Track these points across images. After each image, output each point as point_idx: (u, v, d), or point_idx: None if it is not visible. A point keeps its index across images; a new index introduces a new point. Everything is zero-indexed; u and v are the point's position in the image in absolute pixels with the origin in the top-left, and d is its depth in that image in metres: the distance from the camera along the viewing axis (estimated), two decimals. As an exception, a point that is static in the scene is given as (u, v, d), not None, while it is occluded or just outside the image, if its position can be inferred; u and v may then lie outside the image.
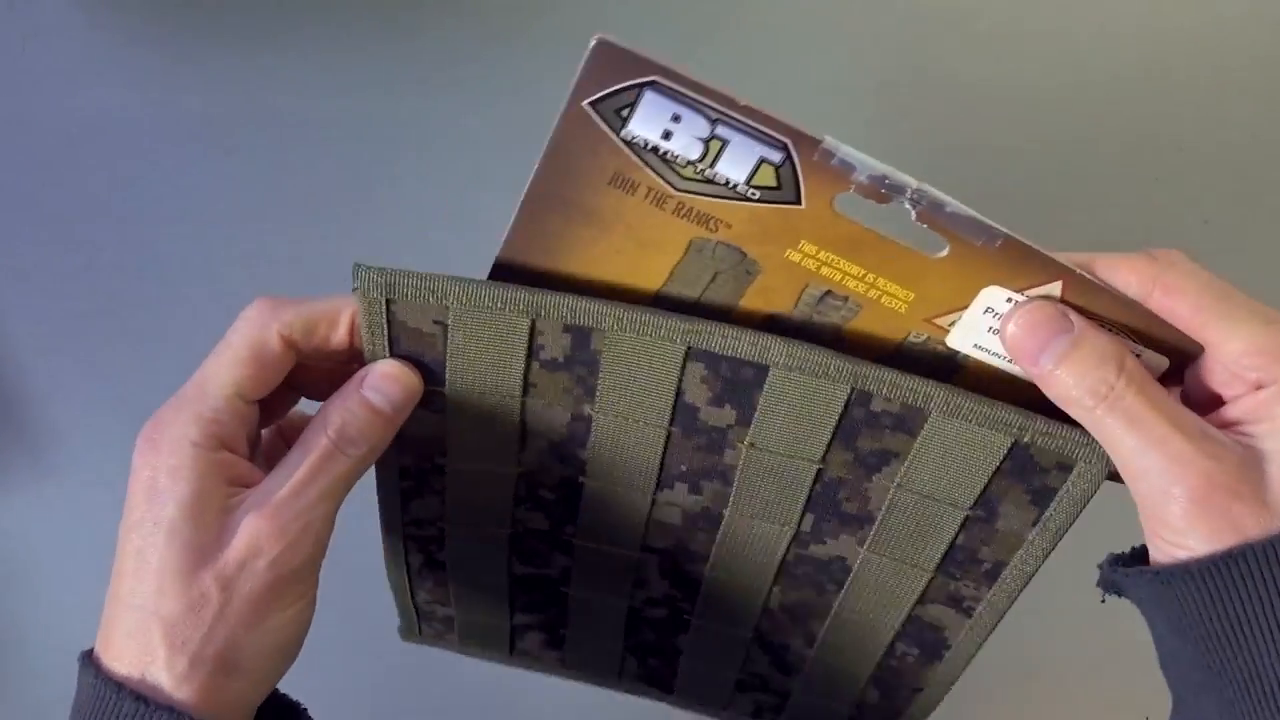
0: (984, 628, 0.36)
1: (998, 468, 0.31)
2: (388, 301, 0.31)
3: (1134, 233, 0.58)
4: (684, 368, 0.31)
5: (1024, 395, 0.30)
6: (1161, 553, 0.28)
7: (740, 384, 0.31)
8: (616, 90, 0.28)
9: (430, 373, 0.32)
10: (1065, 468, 0.31)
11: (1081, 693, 0.56)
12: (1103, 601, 0.31)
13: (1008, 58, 0.58)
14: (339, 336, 0.31)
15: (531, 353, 0.32)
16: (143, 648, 0.30)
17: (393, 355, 0.32)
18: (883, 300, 0.30)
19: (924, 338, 0.30)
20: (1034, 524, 0.32)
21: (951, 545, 0.33)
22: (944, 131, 0.58)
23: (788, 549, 0.35)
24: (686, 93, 0.27)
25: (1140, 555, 0.30)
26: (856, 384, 0.30)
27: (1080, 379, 0.27)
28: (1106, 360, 0.28)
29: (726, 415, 0.32)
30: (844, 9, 0.58)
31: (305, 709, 0.32)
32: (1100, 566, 0.30)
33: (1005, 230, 0.28)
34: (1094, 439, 0.29)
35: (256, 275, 0.60)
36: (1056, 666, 0.55)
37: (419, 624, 0.45)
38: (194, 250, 0.60)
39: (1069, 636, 0.53)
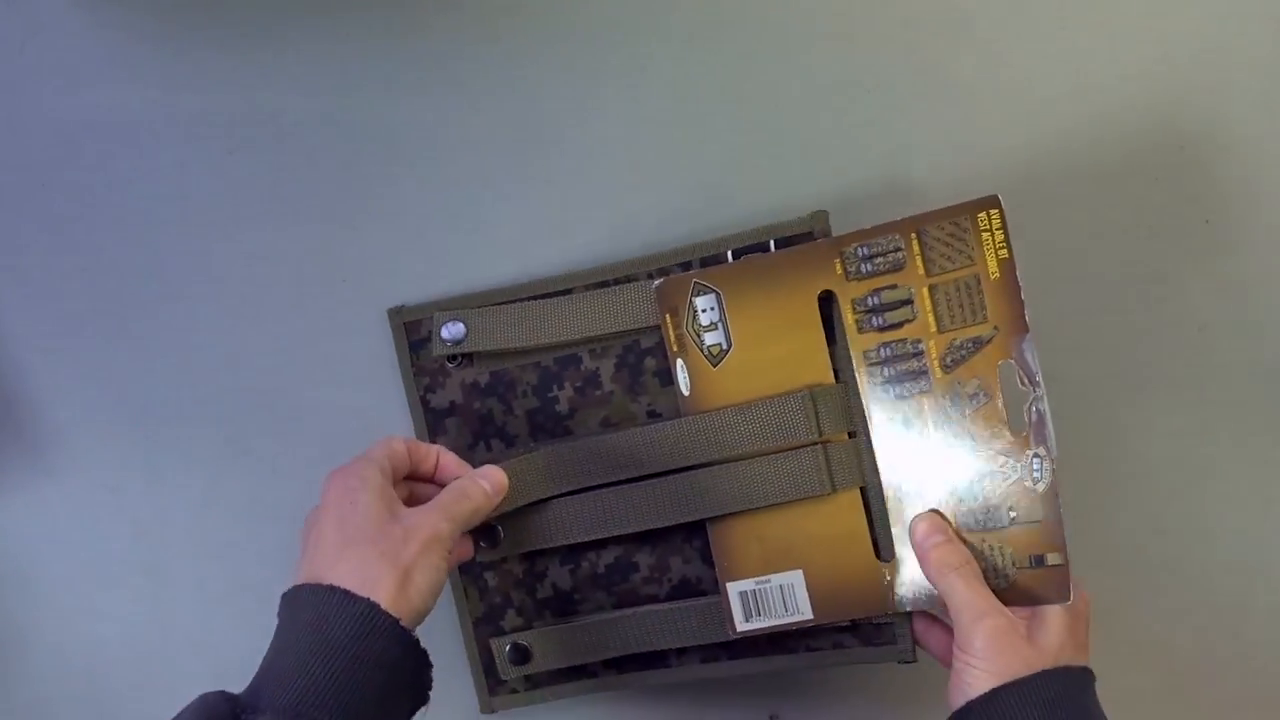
0: None
1: None
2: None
3: (1134, 232, 0.58)
4: None
5: None
6: (957, 682, 0.47)
7: None
8: None
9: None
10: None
11: None
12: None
13: (1008, 57, 0.58)
14: (429, 465, 0.53)
15: None
16: (351, 560, 0.46)
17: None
18: None
19: None
20: None
21: None
22: (944, 131, 0.58)
23: None
24: None
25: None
26: None
27: (950, 554, 0.50)
28: (959, 553, 0.50)
29: None
30: (844, 9, 0.58)
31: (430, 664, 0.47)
32: None
33: None
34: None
35: (256, 275, 0.60)
36: None
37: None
38: (194, 250, 0.60)
39: None
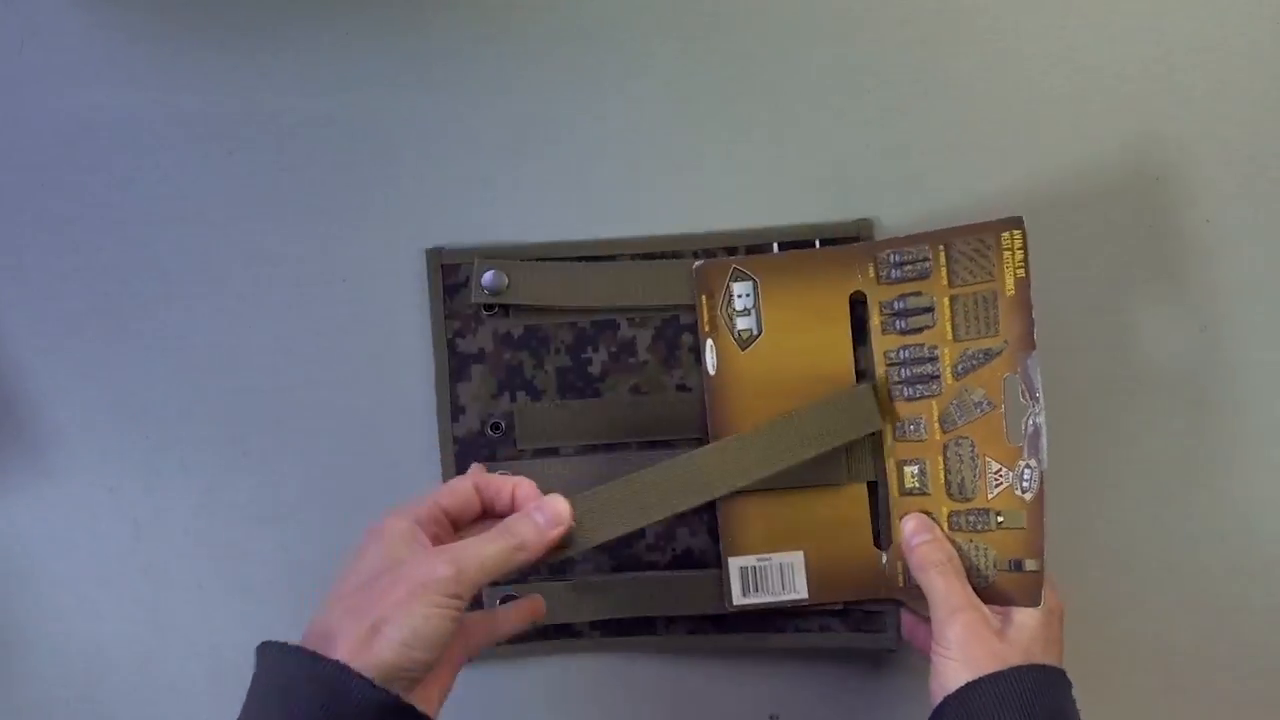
0: None
1: None
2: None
3: (1135, 232, 0.58)
4: None
5: None
6: (935, 675, 0.49)
7: None
8: None
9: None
10: None
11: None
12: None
13: (1007, 57, 0.58)
14: (504, 499, 0.48)
15: None
16: (324, 620, 0.42)
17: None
18: None
19: None
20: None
21: None
22: (943, 131, 0.58)
23: None
24: None
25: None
26: None
27: (933, 551, 0.52)
28: (943, 549, 0.52)
29: None
30: (844, 9, 0.58)
31: None
32: None
33: None
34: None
35: (256, 275, 0.60)
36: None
37: None
38: (194, 250, 0.60)
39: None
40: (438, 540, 0.46)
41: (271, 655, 0.42)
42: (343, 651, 0.40)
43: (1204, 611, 0.59)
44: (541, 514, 0.46)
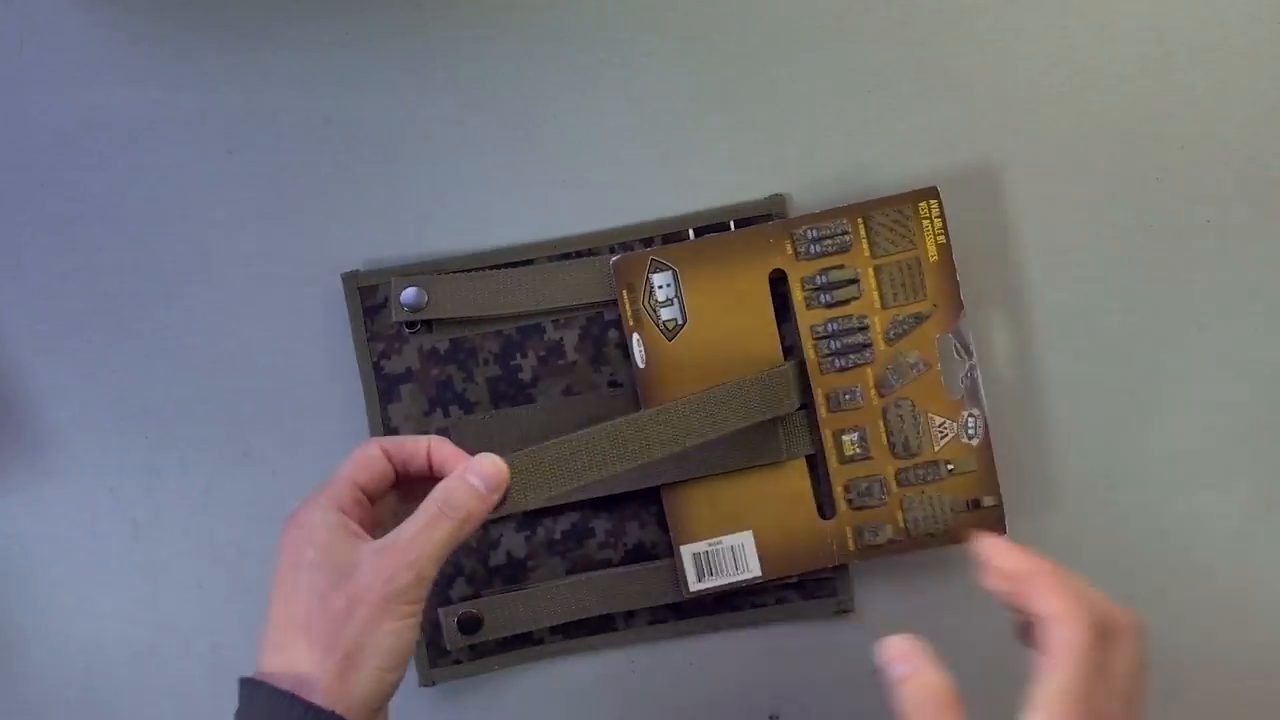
0: None
1: None
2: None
3: (1135, 232, 0.58)
4: None
5: None
6: None
7: None
8: None
9: None
10: None
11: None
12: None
13: (1007, 56, 0.58)
14: (419, 461, 0.45)
15: None
16: (288, 650, 0.40)
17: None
18: None
19: None
20: None
21: None
22: (943, 130, 0.58)
23: None
24: None
25: None
26: None
27: (916, 694, 0.37)
28: (931, 689, 0.37)
29: None
30: (844, 9, 0.58)
31: None
32: None
33: None
34: None
35: (256, 275, 0.60)
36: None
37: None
38: (193, 250, 0.60)
39: None
40: (362, 523, 0.43)
41: (261, 700, 0.40)
42: (322, 694, 0.39)
43: (1204, 611, 0.59)
44: (478, 478, 0.43)
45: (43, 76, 0.59)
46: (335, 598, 0.40)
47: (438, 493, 0.43)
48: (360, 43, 0.59)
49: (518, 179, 0.59)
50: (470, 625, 0.57)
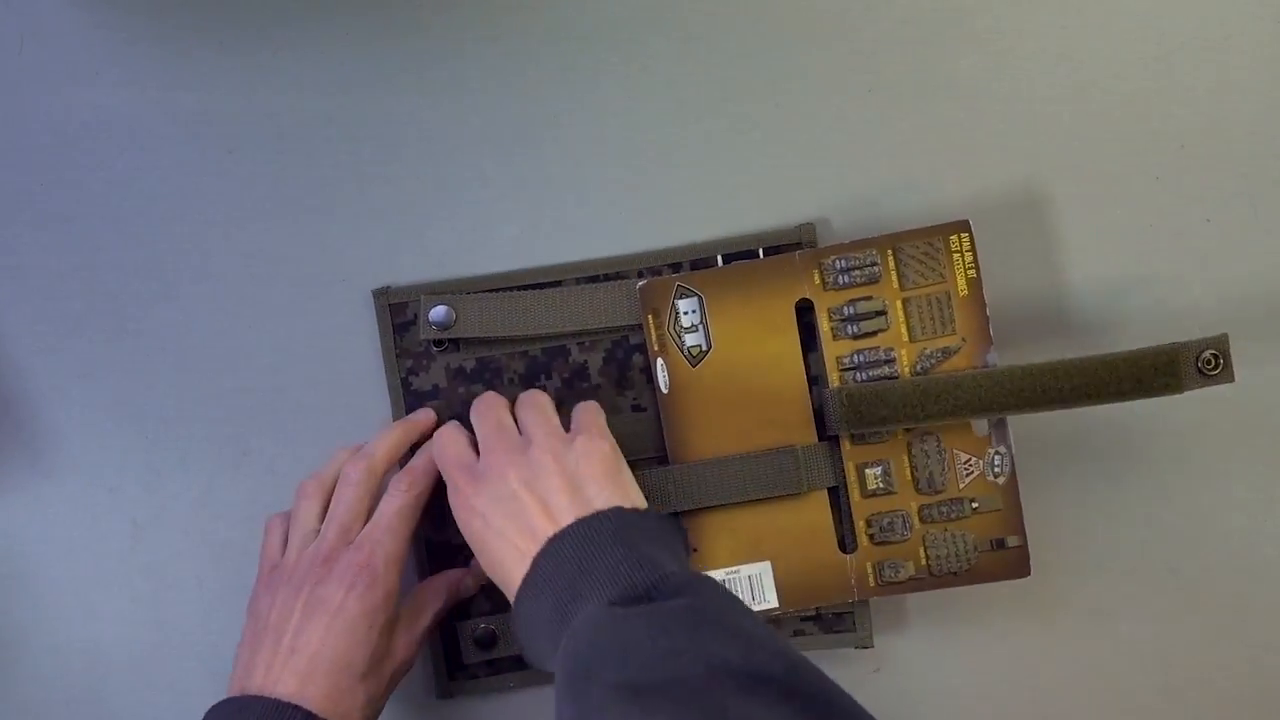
0: None
1: None
2: None
3: (1135, 232, 0.58)
4: None
5: None
6: None
7: None
8: None
9: None
10: None
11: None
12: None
13: (1007, 56, 0.58)
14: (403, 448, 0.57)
15: None
16: (317, 686, 0.49)
17: None
18: None
19: None
20: None
21: None
22: (943, 130, 0.58)
23: None
24: None
25: None
26: None
27: None
28: None
29: None
30: (844, 9, 0.58)
31: None
32: None
33: None
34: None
35: (257, 275, 0.60)
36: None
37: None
38: (193, 250, 0.60)
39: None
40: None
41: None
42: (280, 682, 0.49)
43: (1204, 611, 0.59)
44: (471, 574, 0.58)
45: (43, 76, 0.59)
46: (382, 669, 0.51)
47: (428, 588, 0.56)
48: (362, 43, 0.59)
49: (533, 197, 0.59)
50: (487, 641, 0.57)
